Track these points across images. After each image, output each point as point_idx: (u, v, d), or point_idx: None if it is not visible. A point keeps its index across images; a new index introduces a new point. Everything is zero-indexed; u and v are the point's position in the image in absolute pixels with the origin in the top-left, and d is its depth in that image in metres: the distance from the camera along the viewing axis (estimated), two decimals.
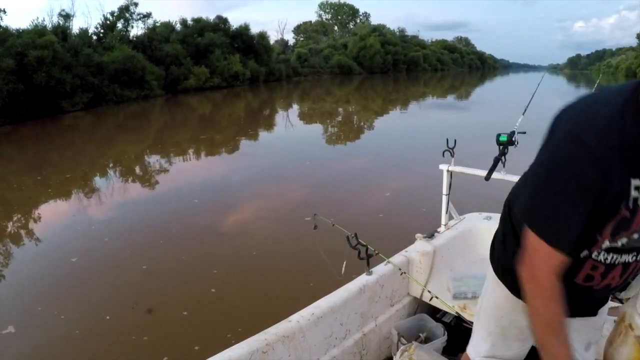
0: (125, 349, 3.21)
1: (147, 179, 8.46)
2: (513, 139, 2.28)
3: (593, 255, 0.97)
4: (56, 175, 8.75)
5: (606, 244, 0.93)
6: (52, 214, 6.51)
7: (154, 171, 8.98)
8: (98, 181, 8.39)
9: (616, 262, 0.97)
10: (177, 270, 4.37)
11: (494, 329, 1.31)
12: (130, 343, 3.24)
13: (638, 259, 0.97)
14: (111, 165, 9.94)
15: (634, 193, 0.85)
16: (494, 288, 1.26)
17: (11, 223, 6.15)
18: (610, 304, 1.24)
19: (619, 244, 0.92)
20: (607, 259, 0.96)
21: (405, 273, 2.30)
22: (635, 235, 0.91)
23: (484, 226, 2.76)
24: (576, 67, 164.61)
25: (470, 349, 1.43)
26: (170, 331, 3.39)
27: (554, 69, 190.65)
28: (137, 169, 9.42)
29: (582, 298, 1.08)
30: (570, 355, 0.97)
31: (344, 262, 2.19)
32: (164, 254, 4.76)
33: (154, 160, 10.04)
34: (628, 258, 0.96)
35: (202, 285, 4.04)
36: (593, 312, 1.17)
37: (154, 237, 5.23)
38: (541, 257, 0.93)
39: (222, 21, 34.62)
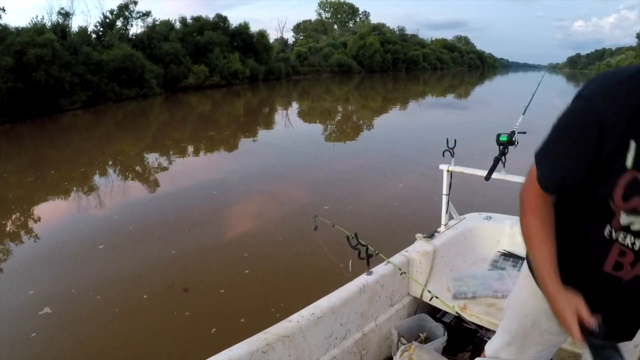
0: (169, 322, 3.30)
1: (162, 173, 8.49)
2: (513, 139, 2.28)
3: (619, 239, 0.98)
4: (69, 172, 8.75)
5: (624, 218, 0.93)
6: (74, 206, 6.58)
7: (169, 166, 9.03)
8: (112, 176, 8.43)
9: None
10: (207, 254, 4.47)
11: (516, 330, 1.32)
12: (173, 317, 3.33)
13: None
14: (122, 161, 9.91)
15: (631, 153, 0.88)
16: (525, 283, 1.27)
17: (33, 217, 6.15)
18: None
19: None
20: (634, 244, 0.96)
21: (405, 273, 2.30)
22: None
23: (484, 226, 2.77)
24: (576, 67, 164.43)
25: (488, 345, 1.45)
26: (212, 307, 3.48)
27: (554, 68, 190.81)
28: (152, 164, 9.38)
29: (610, 291, 1.07)
30: (552, 269, 1.04)
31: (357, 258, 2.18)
32: (191, 240, 4.85)
33: (166, 156, 10.05)
34: None
35: (234, 267, 4.15)
36: (629, 337, 1.17)
37: (178, 225, 5.29)
38: (531, 181, 1.08)
39: (221, 20, 34.55)
